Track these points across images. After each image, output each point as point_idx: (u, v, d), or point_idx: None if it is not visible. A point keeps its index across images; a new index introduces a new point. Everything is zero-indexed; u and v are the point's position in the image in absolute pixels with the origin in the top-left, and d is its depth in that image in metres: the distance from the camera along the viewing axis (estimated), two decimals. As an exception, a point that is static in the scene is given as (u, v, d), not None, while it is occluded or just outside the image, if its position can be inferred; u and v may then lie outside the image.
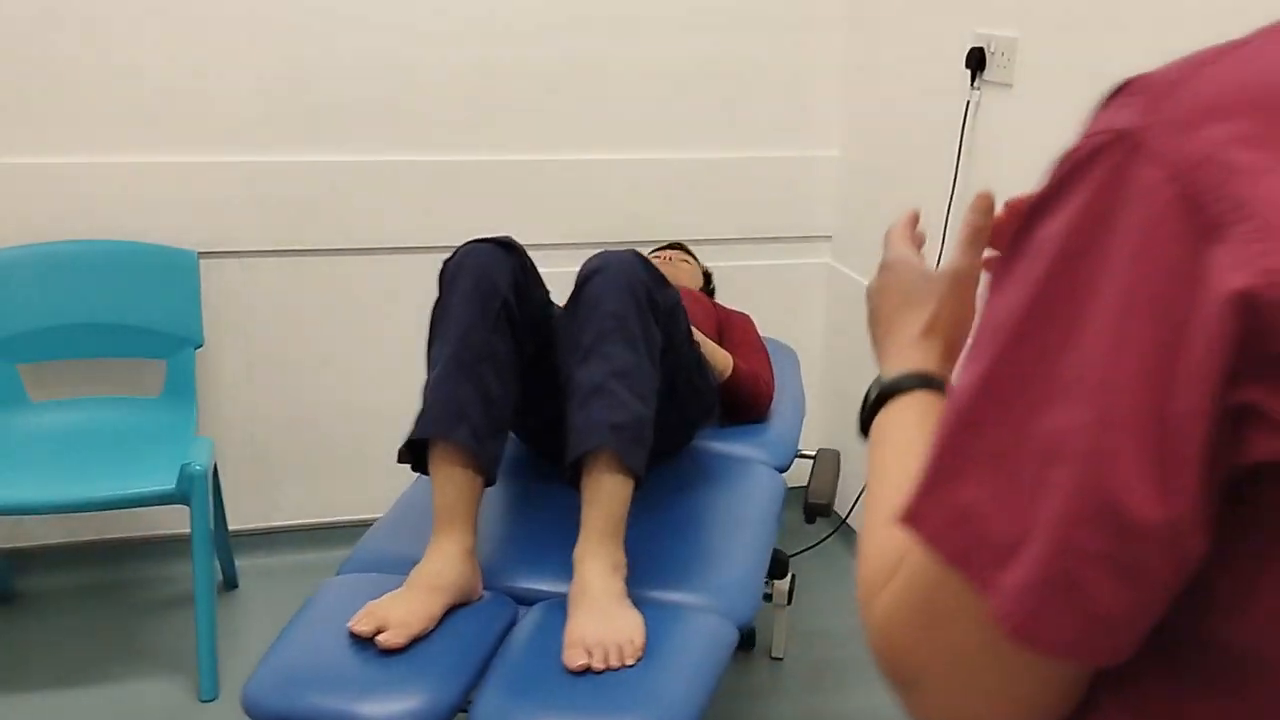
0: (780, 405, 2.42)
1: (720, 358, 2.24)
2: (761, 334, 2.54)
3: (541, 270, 1.93)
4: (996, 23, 2.29)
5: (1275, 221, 0.47)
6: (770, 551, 1.97)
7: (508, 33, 2.71)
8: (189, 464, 2.25)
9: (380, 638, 1.52)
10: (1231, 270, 0.47)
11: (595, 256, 1.81)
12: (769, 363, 2.40)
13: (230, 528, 2.75)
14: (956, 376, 0.59)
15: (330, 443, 2.86)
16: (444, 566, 1.65)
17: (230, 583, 2.75)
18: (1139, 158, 0.50)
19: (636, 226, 2.89)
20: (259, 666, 1.53)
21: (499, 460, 1.77)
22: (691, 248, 2.85)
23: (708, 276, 2.79)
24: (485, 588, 1.75)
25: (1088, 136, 0.53)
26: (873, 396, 0.81)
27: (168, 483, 2.23)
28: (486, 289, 1.76)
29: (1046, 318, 0.52)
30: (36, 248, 2.52)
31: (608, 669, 1.51)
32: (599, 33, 2.76)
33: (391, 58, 2.65)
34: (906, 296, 0.88)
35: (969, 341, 0.62)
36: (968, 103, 2.36)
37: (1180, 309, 0.48)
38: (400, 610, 1.56)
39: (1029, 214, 0.56)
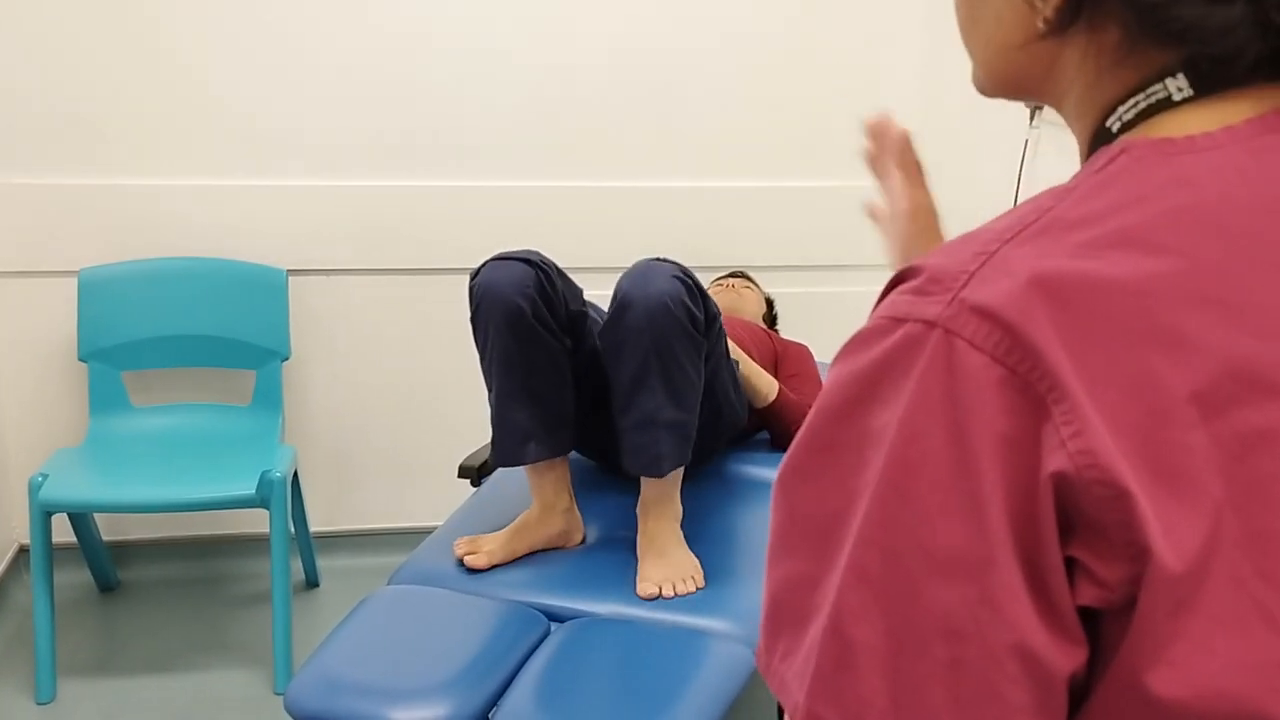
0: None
1: (764, 382, 2.30)
2: (824, 361, 2.59)
3: (603, 292, 2.03)
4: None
5: (1082, 403, 0.52)
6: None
7: (578, 63, 2.82)
8: (269, 471, 2.41)
9: (468, 559, 1.92)
10: (1052, 451, 0.52)
11: (633, 274, 1.89)
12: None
13: (313, 529, 2.92)
14: (771, 568, 0.61)
15: (408, 452, 3.01)
16: (528, 517, 2.00)
17: (311, 582, 2.92)
18: (958, 345, 0.53)
19: (702, 252, 2.97)
20: (301, 670, 1.66)
21: (570, 438, 2.02)
22: (757, 274, 2.91)
23: (770, 303, 2.85)
24: (519, 604, 1.87)
25: (892, 320, 0.57)
26: None
27: (249, 488, 2.39)
28: (513, 313, 1.87)
29: (903, 501, 0.54)
30: (141, 264, 2.72)
31: (676, 595, 1.85)
32: (669, 61, 2.85)
33: (466, 90, 2.79)
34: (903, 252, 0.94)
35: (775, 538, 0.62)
36: (1026, 141, 2.39)
37: (1029, 476, 0.53)
38: (489, 544, 1.95)
39: (832, 407, 0.58)
